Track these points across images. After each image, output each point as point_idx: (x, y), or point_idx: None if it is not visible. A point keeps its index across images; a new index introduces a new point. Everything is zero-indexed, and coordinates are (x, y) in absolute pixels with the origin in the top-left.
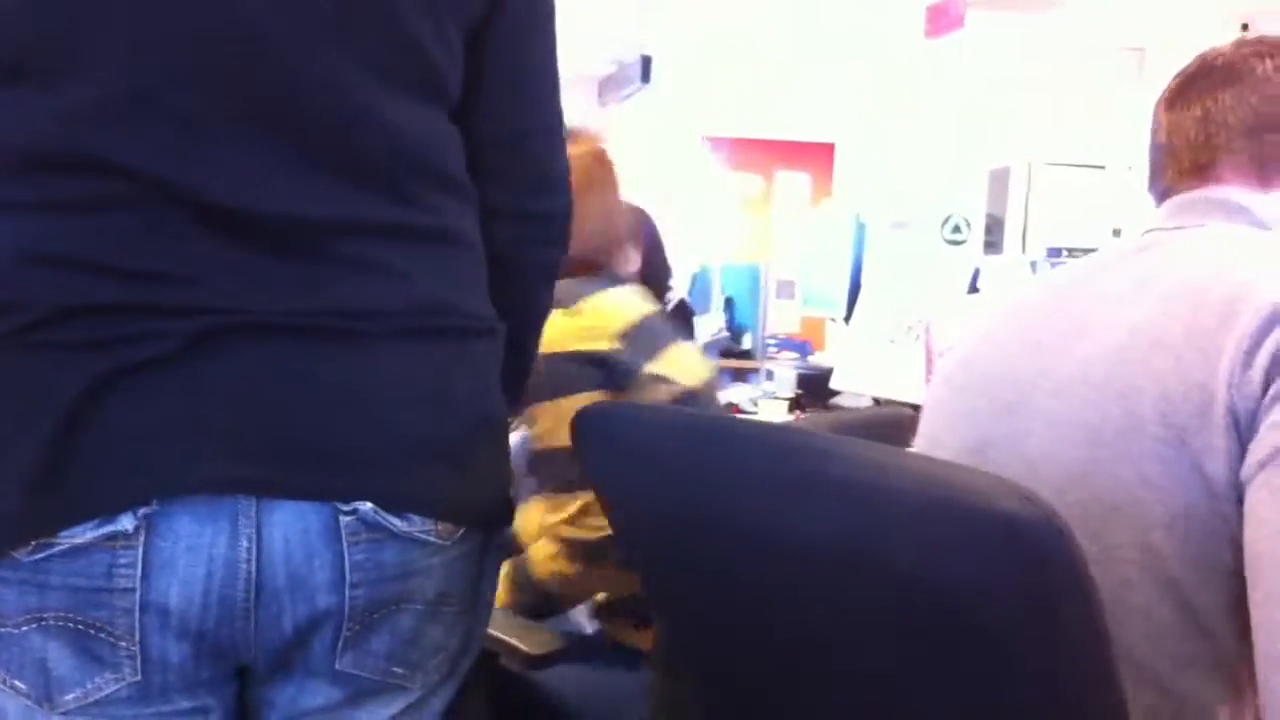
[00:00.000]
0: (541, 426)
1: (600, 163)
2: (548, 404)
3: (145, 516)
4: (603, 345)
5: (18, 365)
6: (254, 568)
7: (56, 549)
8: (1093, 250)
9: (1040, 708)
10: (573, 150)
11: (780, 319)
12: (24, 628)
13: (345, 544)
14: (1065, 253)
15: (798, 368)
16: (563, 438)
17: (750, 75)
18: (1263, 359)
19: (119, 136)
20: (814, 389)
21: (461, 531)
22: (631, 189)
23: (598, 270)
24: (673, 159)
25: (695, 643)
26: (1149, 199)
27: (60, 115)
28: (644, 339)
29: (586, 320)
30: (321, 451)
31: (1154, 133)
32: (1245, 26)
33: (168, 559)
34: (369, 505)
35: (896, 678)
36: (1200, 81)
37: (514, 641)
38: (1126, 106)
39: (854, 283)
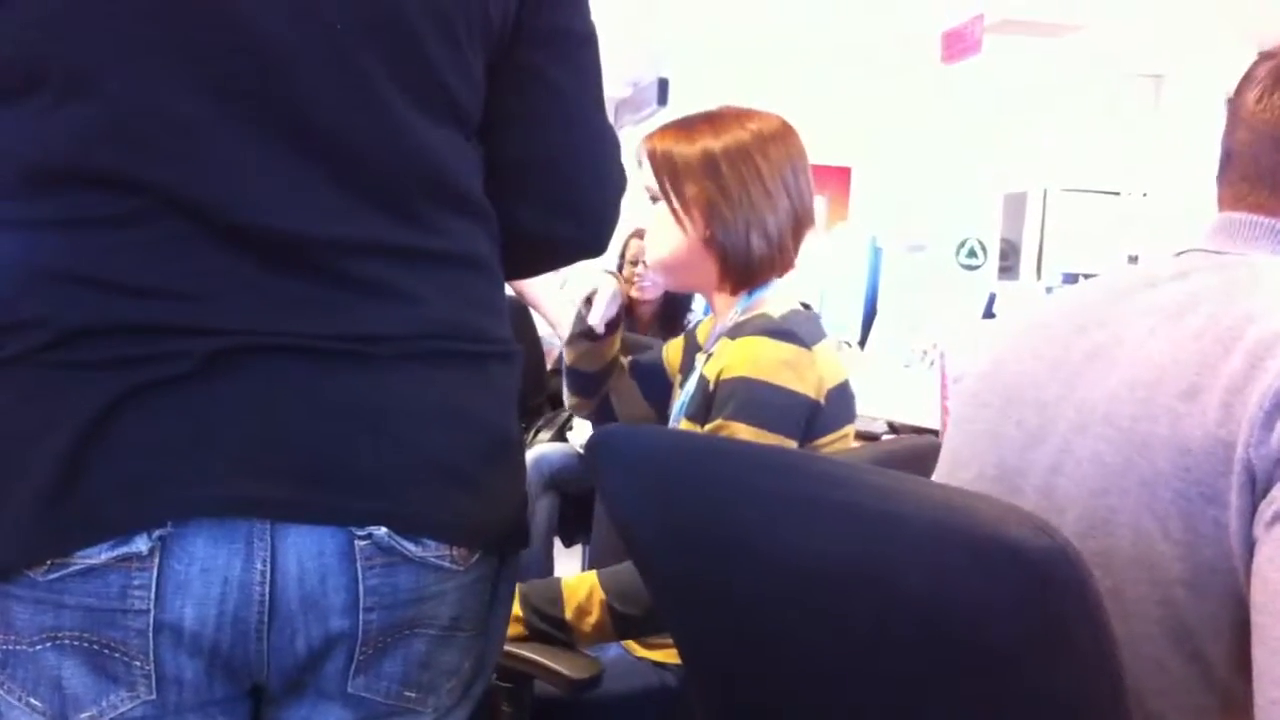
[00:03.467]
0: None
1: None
2: (754, 430)
3: (160, 538)
4: (818, 397)
5: (33, 383)
6: (268, 590)
7: (71, 569)
8: None
9: None
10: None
11: None
12: (39, 646)
13: (360, 568)
14: (1080, 279)
15: None
16: None
17: (767, 98)
18: None
19: (133, 153)
20: None
21: (476, 556)
22: (648, 213)
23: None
24: None
25: (705, 662)
26: (1164, 225)
27: (74, 131)
28: (842, 404)
29: (818, 370)
30: (336, 474)
31: (1230, 127)
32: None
33: (182, 581)
34: (384, 530)
35: (903, 702)
36: None
37: (555, 665)
38: (1143, 133)
39: (869, 306)
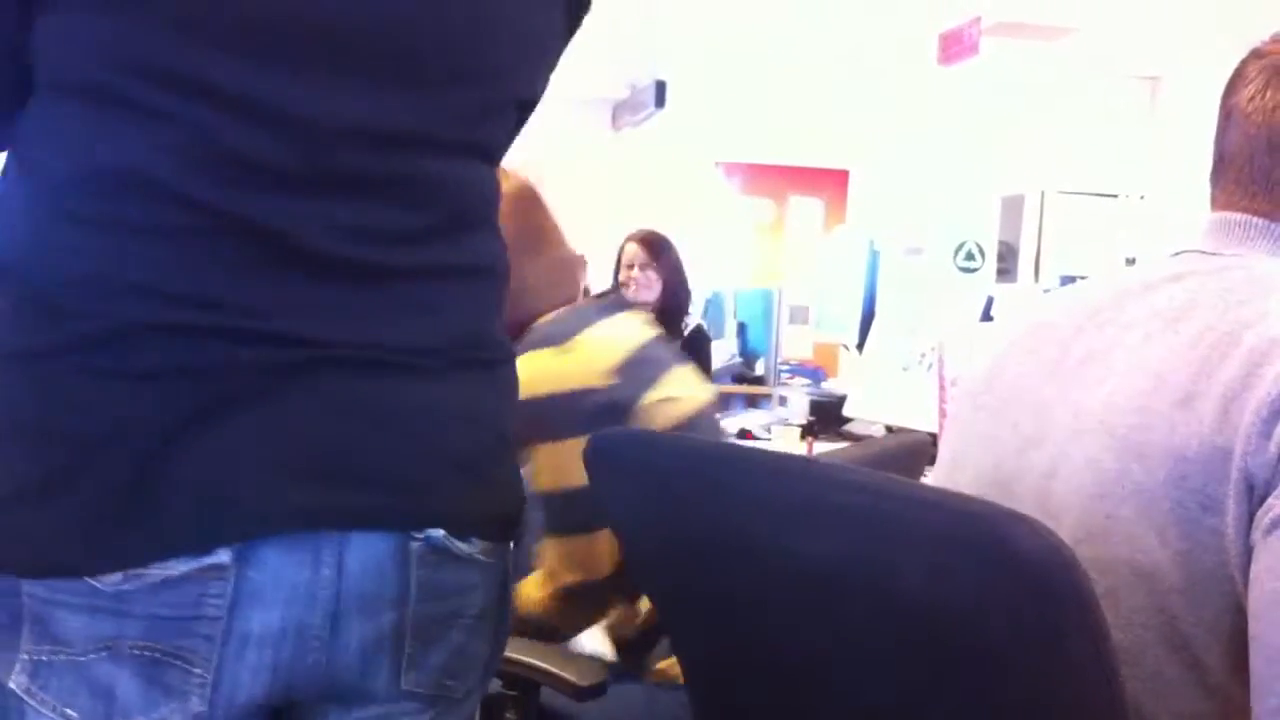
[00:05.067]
0: (539, 466)
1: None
2: (549, 445)
3: (239, 549)
4: (596, 382)
5: (108, 394)
6: (333, 596)
7: (147, 580)
8: None
9: None
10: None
11: (793, 345)
12: (90, 655)
13: (413, 567)
14: (1078, 281)
15: (811, 394)
16: (567, 478)
17: (765, 101)
18: None
19: (218, 177)
20: (827, 416)
21: (496, 547)
22: (645, 214)
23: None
24: (686, 184)
25: (705, 665)
26: (1162, 228)
27: (162, 147)
28: (641, 370)
29: (578, 357)
30: (397, 481)
31: (1222, 128)
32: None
33: (256, 589)
34: (440, 532)
35: (899, 704)
36: None
37: (561, 671)
38: (1140, 135)
39: (867, 309)
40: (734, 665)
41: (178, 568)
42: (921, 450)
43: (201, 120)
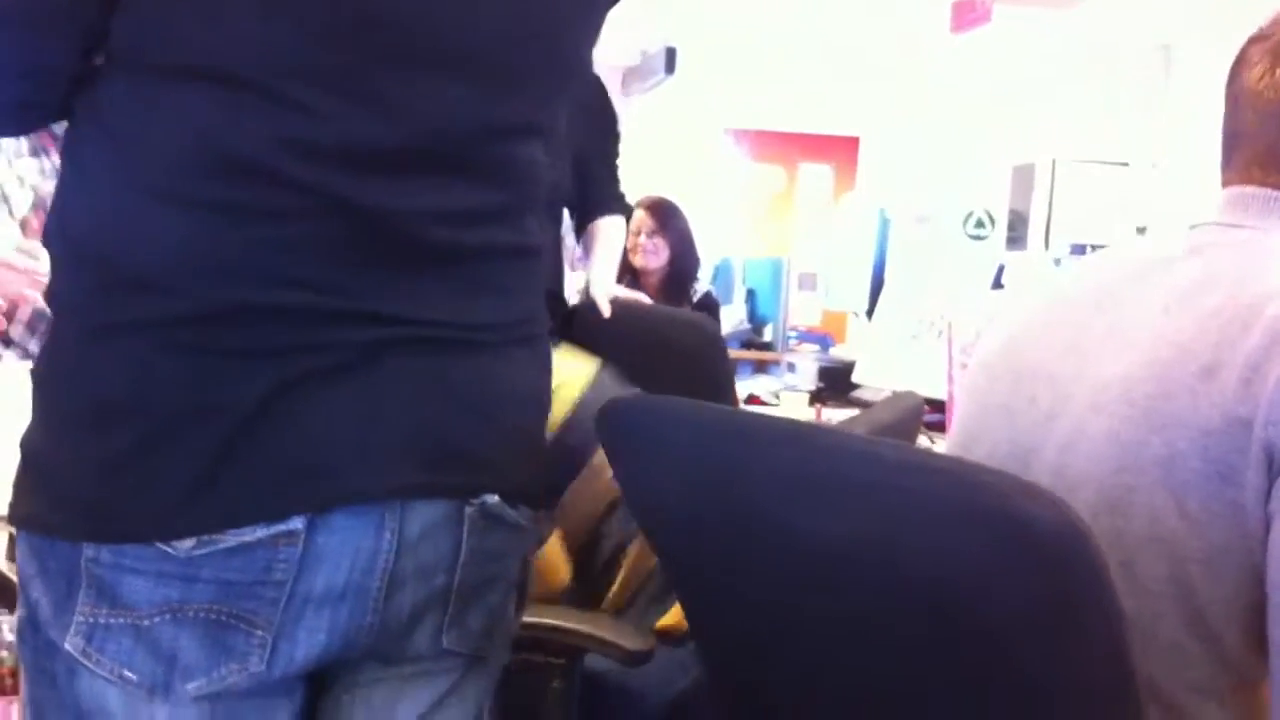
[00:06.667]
0: None
1: None
2: None
3: (311, 517)
4: None
5: (194, 371)
6: (391, 560)
7: (220, 545)
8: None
9: (1056, 715)
10: None
11: (802, 312)
12: (155, 619)
13: (465, 532)
14: (1089, 249)
15: (819, 360)
16: None
17: (775, 68)
18: None
19: (318, 163)
20: (835, 382)
21: (535, 515)
22: (654, 181)
23: None
24: (696, 151)
25: (716, 634)
26: (1173, 197)
27: (262, 130)
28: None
29: None
30: (464, 454)
31: (1231, 110)
32: None
33: (322, 554)
34: (495, 498)
35: (908, 676)
36: None
37: (611, 637)
38: (1152, 104)
39: (876, 276)
40: (745, 634)
41: (254, 534)
42: (916, 411)
43: (301, 104)
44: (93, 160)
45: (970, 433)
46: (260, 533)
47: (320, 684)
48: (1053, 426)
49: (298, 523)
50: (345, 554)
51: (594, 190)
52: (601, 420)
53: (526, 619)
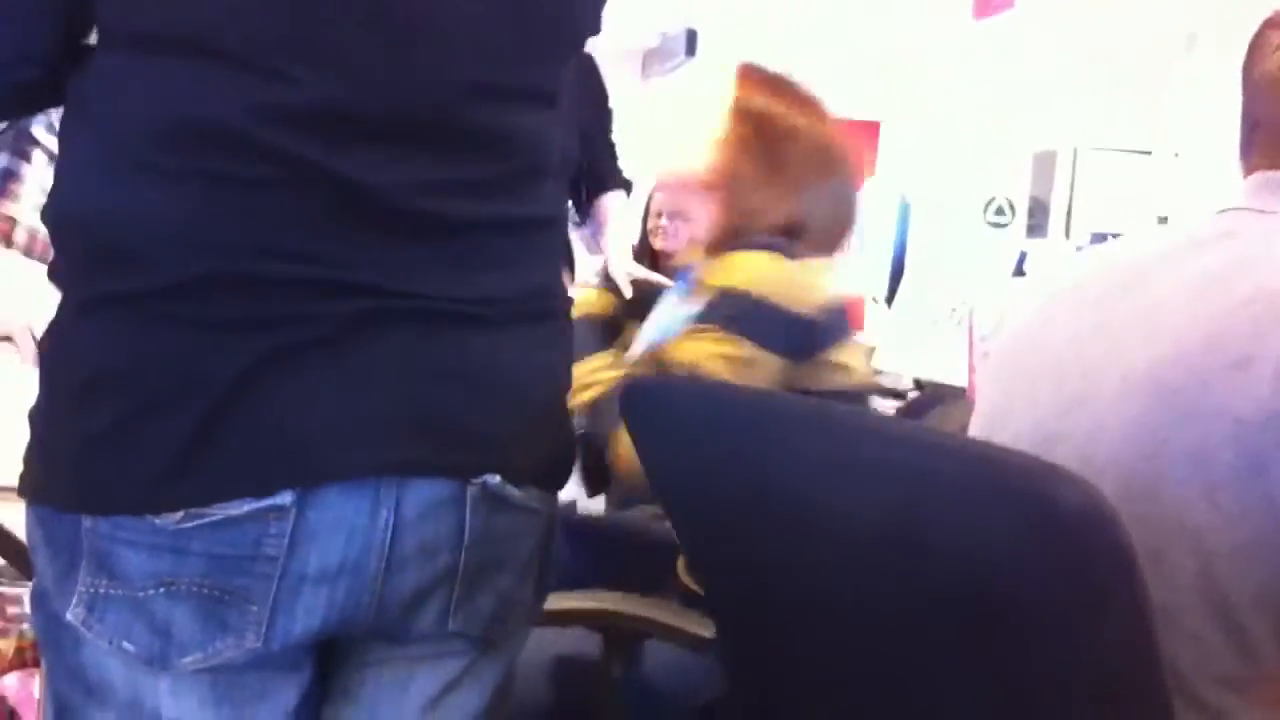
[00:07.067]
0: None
1: None
2: (730, 336)
3: (300, 493)
4: (804, 310)
5: (183, 342)
6: (388, 538)
7: (207, 519)
8: None
9: (1080, 700)
10: None
11: None
12: (149, 591)
13: (468, 512)
14: (1110, 238)
15: None
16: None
17: (795, 51)
18: None
19: (299, 132)
20: None
21: (547, 496)
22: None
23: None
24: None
25: (737, 615)
26: (1195, 185)
27: (247, 100)
28: (836, 320)
29: (800, 276)
30: (462, 431)
31: (1251, 97)
32: None
33: (314, 530)
34: (497, 478)
35: (933, 660)
36: None
37: (682, 625)
38: (1175, 92)
39: (896, 263)
40: (766, 619)
41: (241, 508)
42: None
43: (277, 71)
44: (75, 134)
45: (993, 420)
46: (247, 507)
47: (331, 660)
48: (1079, 413)
49: (286, 497)
50: (339, 531)
51: (598, 165)
52: (624, 401)
53: (583, 604)
